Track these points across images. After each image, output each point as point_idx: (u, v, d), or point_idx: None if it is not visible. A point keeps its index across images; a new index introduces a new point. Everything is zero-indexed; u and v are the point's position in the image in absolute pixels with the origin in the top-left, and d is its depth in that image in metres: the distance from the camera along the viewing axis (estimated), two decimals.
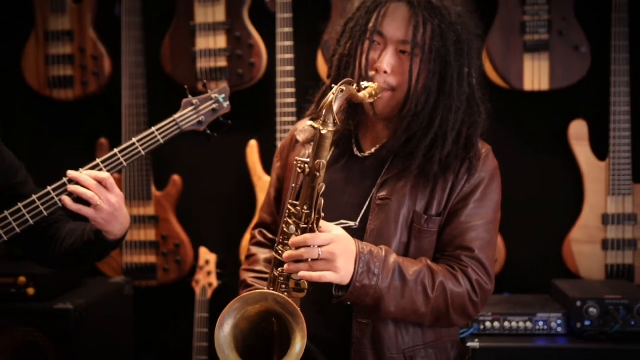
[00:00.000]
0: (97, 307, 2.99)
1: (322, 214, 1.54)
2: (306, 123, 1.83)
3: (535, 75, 3.09)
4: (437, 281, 1.62)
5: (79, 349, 2.86)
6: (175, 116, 1.99)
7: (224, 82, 3.26)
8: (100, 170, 1.87)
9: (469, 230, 1.67)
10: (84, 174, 1.82)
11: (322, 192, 1.53)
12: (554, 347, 2.58)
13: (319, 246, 1.52)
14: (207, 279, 3.20)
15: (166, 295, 3.45)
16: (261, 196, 3.26)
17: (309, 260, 1.52)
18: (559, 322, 2.65)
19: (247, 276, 1.88)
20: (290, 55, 3.19)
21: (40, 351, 2.84)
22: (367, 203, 1.69)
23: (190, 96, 2.02)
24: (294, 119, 3.18)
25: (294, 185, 1.60)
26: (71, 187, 1.81)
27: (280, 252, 1.58)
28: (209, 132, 2.03)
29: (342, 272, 1.54)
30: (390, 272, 1.58)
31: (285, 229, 1.57)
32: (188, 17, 3.30)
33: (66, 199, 1.80)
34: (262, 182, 3.27)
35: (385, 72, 1.64)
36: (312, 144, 1.54)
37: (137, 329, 3.39)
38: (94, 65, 3.38)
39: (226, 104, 2.04)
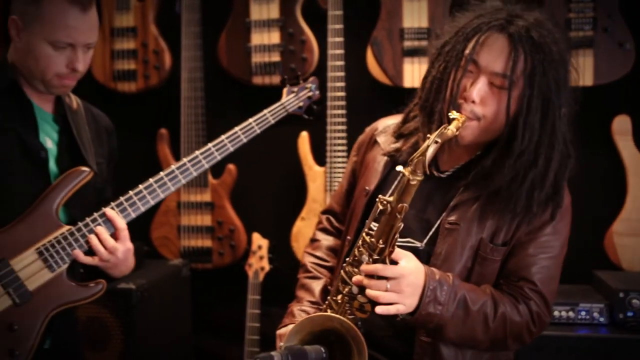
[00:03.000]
0: (157, 287, 3.01)
1: (395, 248, 1.51)
2: (387, 123, 1.79)
3: (580, 71, 2.98)
4: (499, 312, 1.58)
5: (140, 325, 2.89)
6: (282, 101, 2.20)
7: (278, 76, 3.24)
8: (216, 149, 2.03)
9: (534, 263, 1.60)
10: (118, 219, 1.85)
11: (399, 230, 1.48)
12: (596, 337, 2.50)
13: (388, 278, 1.49)
14: (259, 263, 3.18)
15: (221, 277, 3.45)
16: (311, 185, 3.23)
17: (378, 291, 1.50)
18: (601, 312, 2.56)
19: (308, 260, 1.86)
20: (340, 51, 3.14)
21: (105, 326, 2.88)
22: (435, 226, 1.63)
23: (288, 85, 2.23)
24: (343, 111, 3.14)
25: (371, 215, 1.54)
26: (93, 241, 1.82)
27: (348, 272, 1.55)
28: (306, 116, 2.26)
29: (407, 304, 1.51)
30: (456, 302, 1.55)
31: (356, 255, 1.54)
32: (244, 14, 3.28)
33: (78, 253, 1.81)
34: (313, 172, 3.24)
35: (473, 102, 1.53)
36: (398, 185, 1.47)
37: (194, 308, 3.41)
38: (155, 59, 3.38)
39: (317, 92, 2.28)
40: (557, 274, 1.65)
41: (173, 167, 1.98)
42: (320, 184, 3.22)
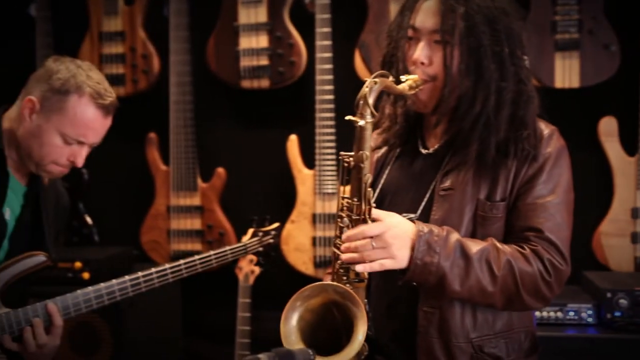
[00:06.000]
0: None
1: (374, 205, 1.49)
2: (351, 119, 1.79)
3: (566, 73, 3.01)
4: (503, 259, 1.51)
5: (130, 329, 2.88)
6: (245, 242, 2.34)
7: (266, 80, 3.23)
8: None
9: (536, 211, 1.55)
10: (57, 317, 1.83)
11: (369, 182, 1.48)
12: (584, 337, 2.51)
13: (373, 236, 1.46)
14: (249, 266, 3.17)
15: (211, 281, 3.44)
16: (301, 188, 3.23)
17: (365, 252, 1.47)
18: (590, 312, 2.58)
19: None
20: (328, 54, 3.15)
21: (95, 330, 2.87)
22: (427, 194, 1.62)
23: (255, 227, 2.39)
24: (332, 114, 3.14)
25: (343, 179, 1.54)
26: (26, 333, 1.79)
27: (338, 245, 1.53)
28: (262, 260, 2.40)
29: (398, 257, 1.48)
30: (452, 249, 1.50)
31: (339, 223, 1.52)
32: (232, 18, 3.28)
33: (7, 339, 1.79)
34: (302, 175, 3.24)
35: (423, 64, 1.58)
36: (354, 138, 1.49)
37: (184, 312, 3.40)
38: (143, 63, 3.37)
39: (278, 239, 2.44)
40: (564, 220, 1.57)
41: (127, 277, 1.99)
42: (310, 187, 3.22)
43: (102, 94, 1.83)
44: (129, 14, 3.38)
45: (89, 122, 1.81)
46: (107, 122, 1.88)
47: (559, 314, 2.58)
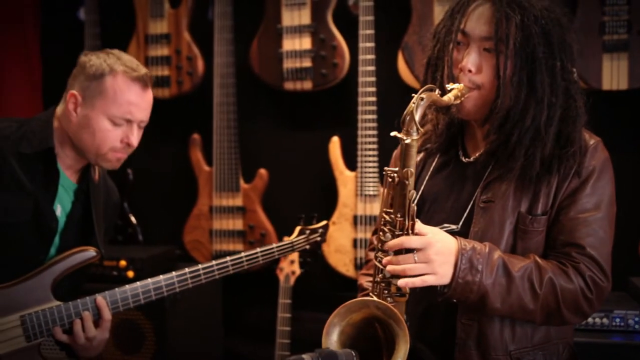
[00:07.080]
0: (189, 290, 3.03)
1: (416, 220, 1.48)
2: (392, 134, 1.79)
3: (614, 74, 2.95)
4: (545, 277, 1.50)
5: (172, 327, 2.92)
6: (292, 239, 2.33)
7: (309, 82, 3.25)
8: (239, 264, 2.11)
9: (578, 226, 1.54)
10: (106, 310, 1.89)
11: (413, 199, 1.47)
12: (631, 344, 2.46)
13: (414, 250, 1.46)
14: (290, 267, 3.19)
15: (252, 281, 3.48)
16: (342, 190, 3.24)
17: (407, 266, 1.46)
18: (636, 319, 2.52)
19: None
20: (371, 56, 3.15)
21: (138, 328, 2.92)
22: (469, 206, 1.61)
23: (302, 225, 2.37)
24: (374, 116, 3.14)
25: (386, 193, 1.53)
26: (76, 325, 1.86)
27: (379, 258, 1.52)
28: (307, 258, 2.40)
29: (440, 274, 1.47)
30: (495, 268, 1.49)
31: (381, 237, 1.51)
32: (275, 20, 3.31)
33: (57, 331, 1.85)
34: (344, 177, 3.25)
35: (470, 71, 1.55)
36: (399, 154, 1.48)
37: (225, 311, 3.43)
38: (188, 65, 3.43)
39: (325, 238, 2.41)
40: (606, 236, 1.56)
41: (174, 273, 2.02)
42: (351, 188, 3.23)
43: (134, 67, 1.89)
44: (175, 16, 3.44)
45: (129, 97, 1.87)
46: (148, 96, 1.92)
47: (605, 321, 2.53)
